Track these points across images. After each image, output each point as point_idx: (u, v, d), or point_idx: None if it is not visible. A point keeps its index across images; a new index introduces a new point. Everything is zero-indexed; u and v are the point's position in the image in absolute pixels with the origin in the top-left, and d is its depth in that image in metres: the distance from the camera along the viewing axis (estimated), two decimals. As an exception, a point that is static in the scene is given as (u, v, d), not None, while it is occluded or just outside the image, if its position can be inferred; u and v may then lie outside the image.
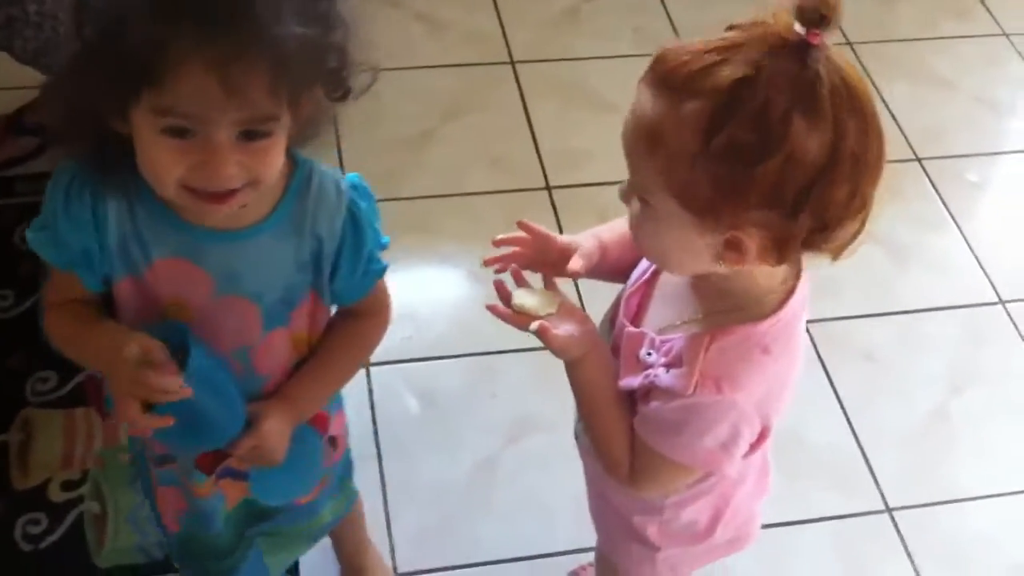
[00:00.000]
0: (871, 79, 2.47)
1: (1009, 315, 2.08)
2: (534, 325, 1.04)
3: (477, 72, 2.42)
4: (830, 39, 0.89)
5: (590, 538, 1.52)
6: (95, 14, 0.88)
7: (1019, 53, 2.62)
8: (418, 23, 2.49)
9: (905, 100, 2.43)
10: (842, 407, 1.92)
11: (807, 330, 1.94)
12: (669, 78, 0.90)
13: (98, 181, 0.99)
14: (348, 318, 1.16)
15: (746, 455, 1.05)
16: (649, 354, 1.05)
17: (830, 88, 0.87)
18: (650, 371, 1.03)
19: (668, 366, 1.02)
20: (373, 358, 1.88)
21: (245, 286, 1.05)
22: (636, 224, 0.98)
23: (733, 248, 0.92)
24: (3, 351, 1.77)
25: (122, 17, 0.86)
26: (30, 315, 1.80)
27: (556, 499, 1.71)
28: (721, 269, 0.96)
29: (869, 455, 1.86)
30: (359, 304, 1.14)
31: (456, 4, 2.56)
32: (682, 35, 2.71)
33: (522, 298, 1.07)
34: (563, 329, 1.05)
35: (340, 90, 0.97)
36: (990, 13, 2.69)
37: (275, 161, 0.95)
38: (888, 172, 2.38)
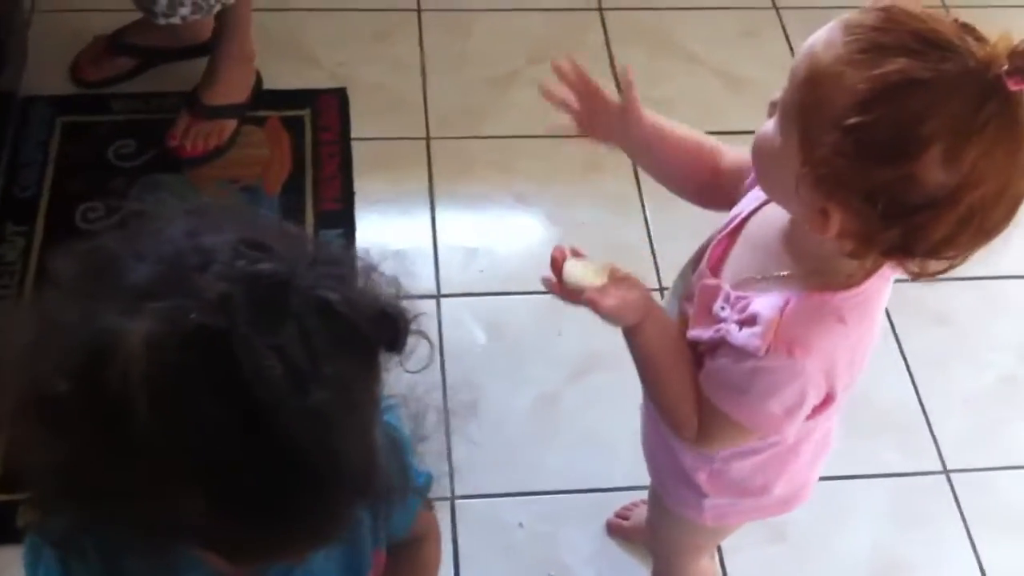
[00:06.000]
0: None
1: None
2: (591, 298, 1.04)
3: (565, 16, 2.43)
4: None
5: (648, 477, 1.55)
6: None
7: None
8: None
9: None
10: (908, 368, 1.92)
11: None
12: (863, 37, 0.87)
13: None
14: (404, 554, 1.01)
15: (807, 418, 1.05)
16: (723, 308, 1.04)
17: (990, 141, 0.84)
18: (722, 326, 1.03)
19: (741, 324, 1.01)
20: (444, 289, 1.93)
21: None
22: (762, 136, 0.97)
23: (820, 215, 0.91)
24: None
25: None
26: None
27: (617, 436, 1.73)
28: (825, 234, 0.93)
29: (932, 417, 1.86)
30: (411, 531, 1.00)
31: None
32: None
33: (572, 271, 1.06)
34: (613, 297, 1.04)
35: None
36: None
37: None
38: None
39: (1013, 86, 0.82)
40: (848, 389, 1.06)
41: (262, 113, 2.09)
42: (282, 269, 0.67)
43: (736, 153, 1.14)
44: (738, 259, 1.08)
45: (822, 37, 0.90)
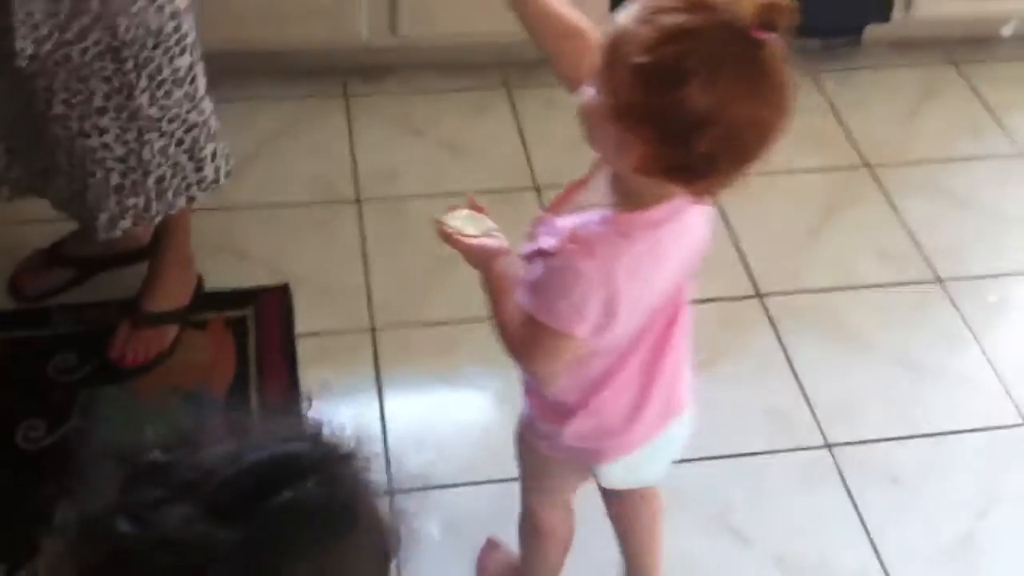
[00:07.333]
0: (890, 198, 2.51)
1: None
2: (442, 229, 1.30)
3: (502, 197, 2.47)
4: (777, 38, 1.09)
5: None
6: None
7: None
8: (442, 150, 2.56)
9: (924, 219, 2.47)
10: (867, 531, 1.91)
11: (832, 454, 1.98)
12: (651, 4, 1.12)
13: None
14: None
15: (599, 333, 1.24)
16: (543, 230, 1.26)
17: (738, 75, 1.09)
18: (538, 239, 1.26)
19: (549, 235, 1.24)
20: (397, 484, 1.89)
21: None
22: (585, 97, 1.18)
23: (623, 147, 1.13)
24: (33, 483, 1.80)
25: None
26: (61, 446, 1.84)
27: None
28: (619, 164, 1.17)
29: (896, 581, 1.85)
30: None
31: (479, 130, 2.63)
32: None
33: (455, 219, 1.30)
34: (470, 242, 1.29)
35: None
36: (1004, 132, 2.73)
37: None
38: (910, 292, 2.35)
39: (757, 34, 1.07)
40: (635, 314, 1.26)
41: (204, 316, 2.09)
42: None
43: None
44: (571, 200, 1.30)
45: (623, 13, 1.14)
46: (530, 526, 1.65)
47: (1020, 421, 2.10)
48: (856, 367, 2.17)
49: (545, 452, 1.47)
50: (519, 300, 1.27)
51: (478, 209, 1.33)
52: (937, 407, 2.12)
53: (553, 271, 1.23)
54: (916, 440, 2.06)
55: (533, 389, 1.43)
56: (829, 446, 2.03)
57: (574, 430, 1.40)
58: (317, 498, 0.75)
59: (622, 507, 1.65)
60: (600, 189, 1.26)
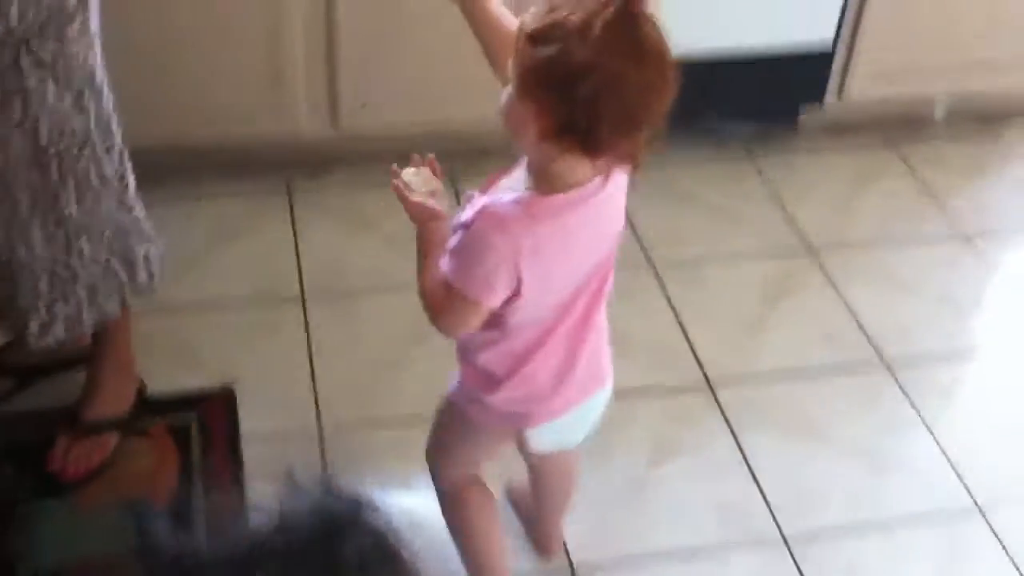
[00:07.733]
0: (834, 283, 2.53)
1: (986, 521, 2.08)
2: (397, 184, 1.40)
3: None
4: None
5: None
6: None
7: (976, 254, 2.69)
8: (390, 244, 2.55)
9: (869, 303, 2.49)
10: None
11: (789, 549, 1.96)
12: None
13: None
14: None
15: (508, 305, 1.39)
16: (467, 208, 1.39)
17: (611, 33, 1.23)
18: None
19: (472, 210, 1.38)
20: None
21: None
22: (503, 100, 1.33)
23: (525, 117, 1.28)
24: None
25: None
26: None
27: None
28: (527, 139, 1.30)
29: None
30: None
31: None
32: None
33: (409, 175, 1.41)
34: (419, 200, 1.39)
35: None
36: (944, 214, 2.77)
37: None
38: (859, 378, 2.32)
39: (630, 4, 1.24)
40: (549, 292, 1.40)
41: (147, 422, 2.04)
42: None
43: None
44: (499, 184, 1.42)
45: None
46: (454, 504, 1.73)
47: (974, 506, 2.10)
48: (807, 458, 2.16)
49: (474, 417, 1.56)
50: (440, 265, 1.40)
51: (435, 173, 1.43)
52: (891, 497, 2.11)
53: (468, 241, 1.36)
54: (872, 532, 2.04)
55: (466, 359, 1.52)
56: (786, 540, 2.01)
57: (505, 396, 1.51)
58: (371, 542, 0.86)
59: (543, 460, 1.76)
60: (521, 176, 1.40)
